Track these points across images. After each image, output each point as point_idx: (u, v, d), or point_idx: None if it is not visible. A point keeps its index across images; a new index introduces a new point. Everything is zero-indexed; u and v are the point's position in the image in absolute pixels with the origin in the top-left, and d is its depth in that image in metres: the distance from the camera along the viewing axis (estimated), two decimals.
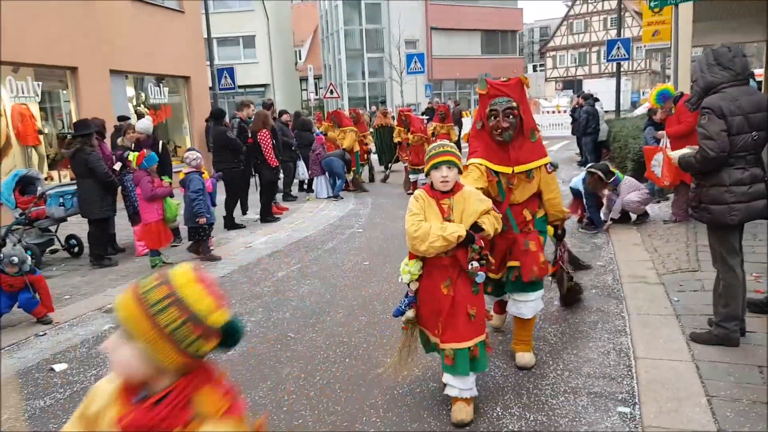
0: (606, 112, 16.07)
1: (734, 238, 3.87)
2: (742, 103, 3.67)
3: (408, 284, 3.49)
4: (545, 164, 3.88)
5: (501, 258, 3.89)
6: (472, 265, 3.25)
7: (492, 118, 3.72)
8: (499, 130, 3.68)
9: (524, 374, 3.88)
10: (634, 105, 37.54)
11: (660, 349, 4.03)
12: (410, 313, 3.47)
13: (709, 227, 4.01)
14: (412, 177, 11.93)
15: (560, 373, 3.86)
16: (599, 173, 7.76)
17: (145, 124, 8.81)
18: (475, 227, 3.24)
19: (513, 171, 3.75)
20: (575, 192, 8.30)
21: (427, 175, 3.32)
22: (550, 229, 4.24)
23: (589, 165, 8.49)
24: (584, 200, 8.05)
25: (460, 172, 3.32)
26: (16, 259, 5.22)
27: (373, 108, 31.35)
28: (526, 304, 3.95)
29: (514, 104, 3.69)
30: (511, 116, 3.68)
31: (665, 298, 5.03)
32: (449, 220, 3.26)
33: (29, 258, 5.42)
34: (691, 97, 4.00)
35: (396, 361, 3.65)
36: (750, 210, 3.73)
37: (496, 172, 3.77)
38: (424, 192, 3.37)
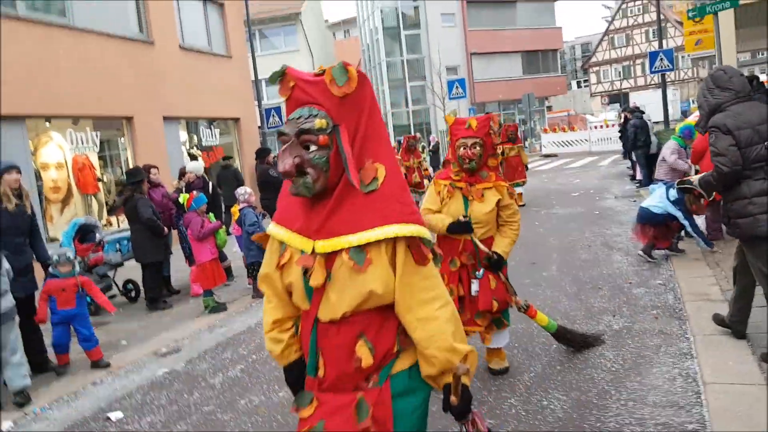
0: (655, 123, 15.69)
1: None
2: (748, 117, 3.75)
3: None
4: (409, 238, 1.84)
5: None
6: None
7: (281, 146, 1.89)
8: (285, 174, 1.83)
9: (586, 406, 3.71)
10: (685, 114, 36.49)
11: (730, 372, 3.81)
12: None
13: (743, 243, 3.98)
14: None
15: (624, 404, 3.68)
16: (699, 189, 6.52)
17: (195, 166, 9.07)
18: None
19: (313, 248, 1.85)
20: (650, 215, 6.86)
21: None
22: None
23: (679, 180, 6.47)
24: (684, 219, 6.63)
25: None
26: (71, 255, 5.51)
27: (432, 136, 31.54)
28: None
29: (320, 123, 1.79)
30: (311, 146, 1.81)
31: None
32: None
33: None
34: (700, 120, 4.07)
35: None
36: None
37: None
38: None
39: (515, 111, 42.00)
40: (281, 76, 1.88)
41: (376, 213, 1.82)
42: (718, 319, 4.51)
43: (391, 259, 1.84)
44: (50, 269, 5.48)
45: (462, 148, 3.92)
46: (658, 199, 6.90)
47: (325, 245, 1.83)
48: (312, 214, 1.87)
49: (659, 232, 6.96)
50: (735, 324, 4.31)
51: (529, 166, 12.82)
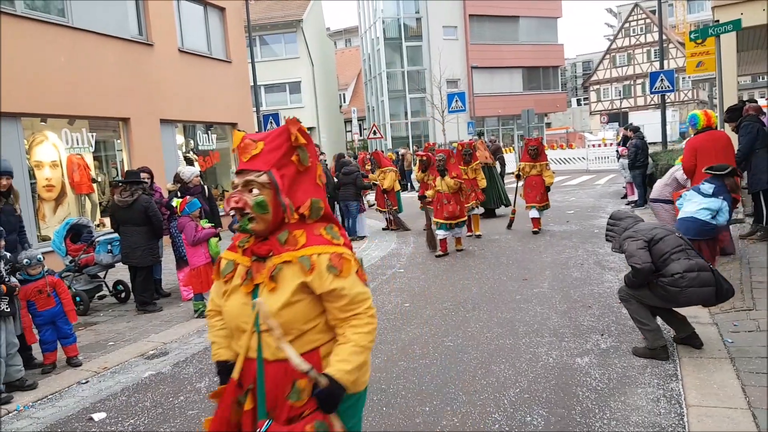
0: (651, 144, 15.78)
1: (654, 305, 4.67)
2: (649, 225, 4.81)
3: None
4: None
5: None
6: None
7: None
8: None
9: (569, 424, 3.71)
10: (683, 136, 36.73)
11: (713, 395, 3.81)
12: None
13: (655, 295, 4.60)
14: (439, 234, 9.63)
15: (606, 423, 3.68)
16: (738, 172, 6.10)
17: (192, 170, 9.04)
18: None
19: None
20: (701, 226, 5.85)
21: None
22: None
23: (708, 168, 6.18)
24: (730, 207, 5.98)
25: None
26: (41, 255, 5.50)
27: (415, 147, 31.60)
28: None
29: None
30: None
31: (719, 339, 4.79)
32: None
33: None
34: (614, 245, 4.92)
35: None
36: (699, 294, 4.42)
37: None
38: None
39: (514, 127, 42.22)
40: None
41: None
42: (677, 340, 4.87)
43: None
44: (18, 274, 5.41)
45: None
46: (698, 203, 5.95)
47: None
48: None
49: (711, 248, 6.01)
50: (682, 334, 4.77)
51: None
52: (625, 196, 14.95)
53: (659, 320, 4.80)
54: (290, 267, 2.03)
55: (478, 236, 10.89)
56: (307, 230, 2.10)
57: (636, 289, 4.69)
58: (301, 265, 2.02)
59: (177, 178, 8.71)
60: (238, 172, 2.09)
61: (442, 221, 9.48)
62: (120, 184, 7.73)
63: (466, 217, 9.85)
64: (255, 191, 2.04)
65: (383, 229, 13.12)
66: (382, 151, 16.74)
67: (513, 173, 11.64)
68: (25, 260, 5.40)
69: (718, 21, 10.72)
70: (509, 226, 11.55)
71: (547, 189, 10.83)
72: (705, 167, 6.26)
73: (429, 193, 9.73)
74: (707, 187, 5.99)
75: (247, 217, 2.06)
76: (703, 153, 6.89)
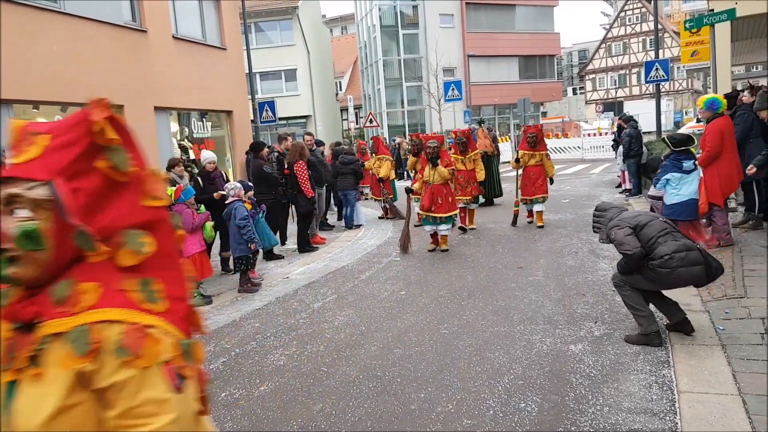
0: (645, 133, 15.80)
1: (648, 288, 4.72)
2: (634, 213, 4.98)
3: None
4: None
5: None
6: None
7: None
8: None
9: (562, 410, 3.76)
10: (678, 125, 36.78)
11: (704, 382, 3.86)
12: None
13: (644, 275, 4.66)
14: (427, 228, 9.18)
15: (599, 409, 3.73)
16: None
17: (209, 155, 9.11)
18: None
19: None
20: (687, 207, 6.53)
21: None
22: None
23: (674, 144, 6.67)
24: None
25: None
26: None
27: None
28: None
29: None
30: None
31: (710, 326, 4.84)
32: None
33: None
34: (601, 235, 5.03)
35: None
36: (690, 274, 4.45)
37: None
38: None
39: (510, 116, 42.19)
40: None
41: None
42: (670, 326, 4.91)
43: None
44: None
45: None
46: (692, 182, 6.51)
47: None
48: None
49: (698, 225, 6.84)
50: (674, 320, 4.82)
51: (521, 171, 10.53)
52: (619, 185, 15.00)
53: (652, 307, 4.85)
54: (61, 344, 1.17)
55: (472, 229, 10.76)
56: (106, 282, 1.25)
57: (628, 274, 4.76)
58: (74, 343, 1.16)
59: (170, 165, 8.73)
60: (2, 181, 1.24)
61: (433, 215, 8.84)
62: None
63: (456, 212, 9.09)
64: (23, 213, 1.22)
65: (379, 217, 13.15)
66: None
67: (509, 162, 11.43)
68: None
69: (712, 10, 10.72)
70: (514, 222, 10.77)
71: (550, 181, 10.39)
72: (665, 138, 6.81)
73: (416, 186, 9.16)
74: (689, 164, 6.48)
75: (5, 256, 1.21)
76: (728, 136, 6.92)
